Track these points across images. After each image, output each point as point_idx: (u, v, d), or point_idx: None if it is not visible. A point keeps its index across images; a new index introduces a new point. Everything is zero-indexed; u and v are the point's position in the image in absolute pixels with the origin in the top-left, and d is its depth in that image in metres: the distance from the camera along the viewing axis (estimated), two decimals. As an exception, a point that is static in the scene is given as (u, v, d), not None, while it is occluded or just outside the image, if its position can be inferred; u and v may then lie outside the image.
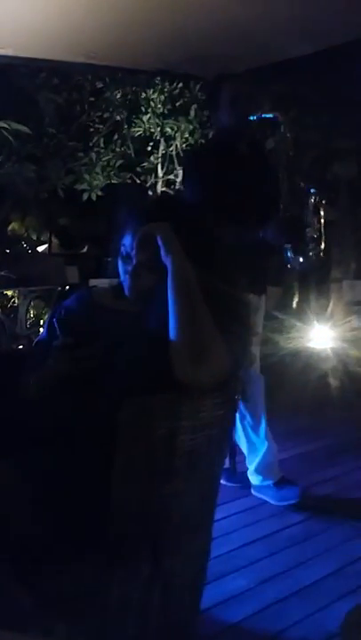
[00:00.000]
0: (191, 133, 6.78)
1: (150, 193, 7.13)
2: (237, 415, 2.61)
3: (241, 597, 1.95)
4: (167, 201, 1.67)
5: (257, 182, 2.58)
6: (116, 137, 6.51)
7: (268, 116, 2.73)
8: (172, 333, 1.28)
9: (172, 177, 7.34)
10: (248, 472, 2.68)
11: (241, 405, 2.59)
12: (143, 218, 1.39)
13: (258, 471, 2.64)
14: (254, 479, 2.66)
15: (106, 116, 6.18)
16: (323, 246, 2.60)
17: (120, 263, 1.48)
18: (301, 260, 2.54)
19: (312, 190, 2.58)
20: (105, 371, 1.34)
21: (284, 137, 2.68)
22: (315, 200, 2.56)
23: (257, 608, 1.90)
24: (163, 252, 1.33)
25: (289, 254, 2.51)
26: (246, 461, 2.68)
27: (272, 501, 2.59)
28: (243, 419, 2.61)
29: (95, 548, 1.22)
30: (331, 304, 5.29)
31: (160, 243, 1.33)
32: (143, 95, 6.31)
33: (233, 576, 2.07)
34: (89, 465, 1.25)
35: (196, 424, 1.24)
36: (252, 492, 2.67)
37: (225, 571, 2.09)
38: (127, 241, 1.43)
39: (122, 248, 1.45)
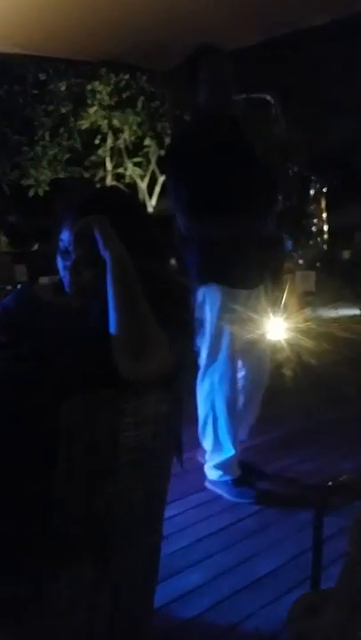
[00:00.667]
0: (139, 125, 6.76)
1: (98, 186, 7.05)
2: (210, 414, 2.59)
3: (197, 592, 1.94)
4: (105, 194, 1.62)
5: (247, 168, 2.46)
6: (62, 130, 6.41)
7: (257, 95, 2.52)
8: (112, 328, 1.25)
9: (121, 170, 7.31)
10: (206, 466, 2.67)
11: (219, 406, 2.56)
12: (80, 212, 1.35)
13: (218, 467, 2.63)
14: (213, 474, 2.65)
15: (51, 108, 6.08)
16: (326, 237, 2.52)
17: (59, 258, 1.43)
18: (302, 251, 2.45)
19: (312, 178, 2.48)
20: (46, 368, 1.30)
21: (278, 119, 2.51)
22: (316, 188, 2.46)
23: (213, 602, 1.89)
24: (100, 246, 1.29)
25: (289, 246, 2.43)
26: (206, 456, 2.66)
27: (227, 496, 2.58)
28: (215, 420, 2.58)
29: (39, 550, 1.18)
30: (284, 295, 5.35)
31: (98, 236, 1.29)
32: (89, 87, 6.24)
33: (189, 571, 2.06)
34: (30, 465, 1.20)
35: (140, 420, 1.21)
36: (207, 485, 2.66)
37: (180, 566, 2.07)
38: (65, 236, 1.39)
39: (60, 243, 1.40)
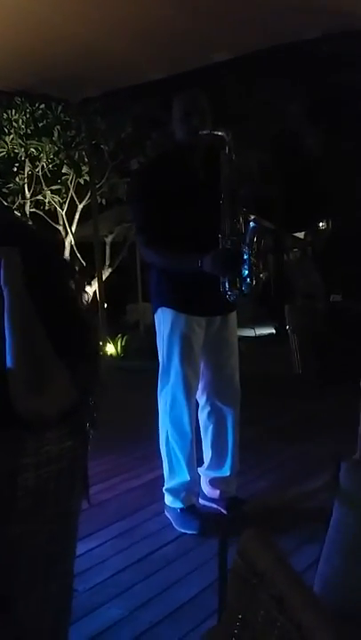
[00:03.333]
0: (56, 154, 6.76)
1: (18, 213, 6.97)
2: (164, 437, 2.58)
3: (115, 628, 1.91)
4: (10, 225, 1.60)
5: (199, 204, 2.48)
6: (-22, 158, 6.31)
7: (215, 132, 2.44)
8: (9, 364, 1.23)
9: (40, 197, 7.25)
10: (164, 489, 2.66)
11: (171, 430, 2.54)
12: None
13: (169, 492, 2.63)
14: (166, 497, 2.65)
15: (-36, 137, 5.98)
16: (261, 278, 2.46)
17: None
18: (237, 292, 2.42)
19: (251, 224, 2.40)
20: None
21: (230, 159, 2.43)
22: (254, 232, 2.42)
23: (132, 636, 1.87)
24: (2, 279, 1.28)
25: (226, 286, 2.42)
26: (166, 479, 2.64)
27: (174, 525, 2.57)
28: (167, 443, 2.57)
29: None
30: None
31: (1, 269, 1.28)
32: (4, 116, 6.19)
33: (107, 606, 2.03)
34: None
35: (42, 459, 1.19)
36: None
37: (99, 602, 2.04)
38: None
39: None
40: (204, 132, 2.44)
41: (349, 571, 1.39)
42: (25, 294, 1.28)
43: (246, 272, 2.40)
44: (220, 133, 2.43)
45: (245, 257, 2.41)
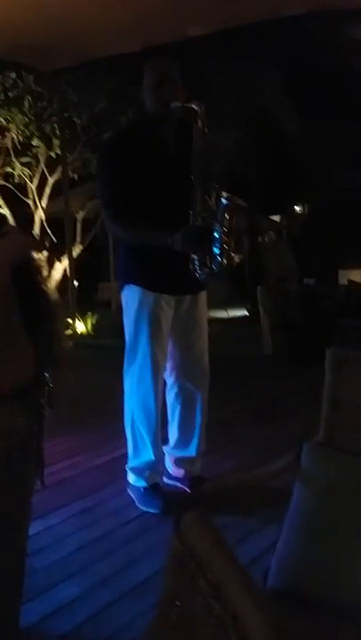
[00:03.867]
0: (27, 125, 6.58)
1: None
2: (129, 417, 2.55)
3: (72, 606, 1.89)
4: None
5: (170, 178, 2.41)
6: None
7: (188, 105, 2.35)
8: None
9: (9, 169, 7.08)
10: (126, 467, 2.64)
11: (136, 410, 2.51)
12: None
13: (133, 471, 2.61)
14: (129, 476, 2.63)
15: None
16: (233, 258, 2.39)
17: None
18: (207, 270, 2.35)
19: (223, 201, 2.32)
20: None
21: (203, 133, 2.35)
22: (226, 209, 2.32)
23: (88, 615, 1.85)
24: None
25: (196, 264, 2.36)
26: (130, 457, 2.62)
27: (137, 504, 2.56)
28: (133, 423, 2.55)
29: None
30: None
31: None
32: (-27, 84, 6.00)
33: (65, 584, 2.01)
34: None
35: (-9, 436, 1.16)
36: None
37: (57, 579, 2.02)
38: None
39: None
40: (177, 104, 2.36)
41: (306, 551, 1.39)
42: (9, 276, 1.24)
43: (217, 250, 2.35)
44: (192, 106, 2.35)
45: (217, 235, 2.35)
